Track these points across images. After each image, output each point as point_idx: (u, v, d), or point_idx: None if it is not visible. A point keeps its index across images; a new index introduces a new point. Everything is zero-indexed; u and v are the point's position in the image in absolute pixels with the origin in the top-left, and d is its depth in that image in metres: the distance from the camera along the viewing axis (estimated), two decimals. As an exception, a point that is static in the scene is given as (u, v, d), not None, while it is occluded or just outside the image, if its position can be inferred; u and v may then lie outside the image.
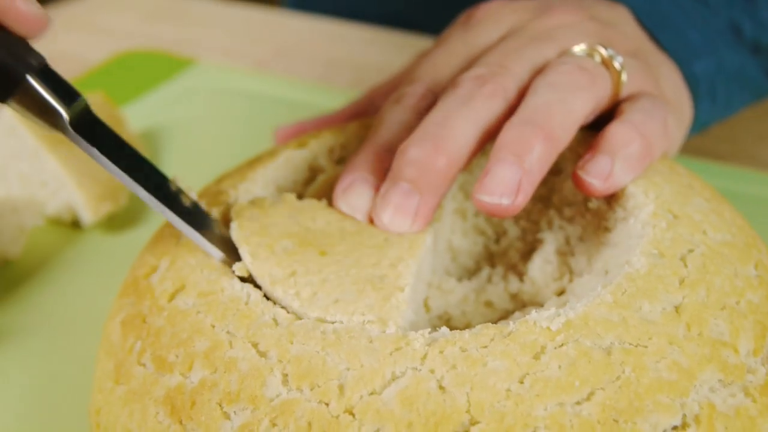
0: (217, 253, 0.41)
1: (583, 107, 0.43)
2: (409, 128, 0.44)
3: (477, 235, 0.50)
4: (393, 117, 0.46)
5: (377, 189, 0.42)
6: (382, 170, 0.43)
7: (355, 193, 0.42)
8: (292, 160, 0.49)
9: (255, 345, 0.36)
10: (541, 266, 0.45)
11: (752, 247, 0.41)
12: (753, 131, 0.71)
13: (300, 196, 0.50)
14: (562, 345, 0.34)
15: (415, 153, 0.41)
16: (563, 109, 0.42)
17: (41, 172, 0.60)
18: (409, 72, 0.52)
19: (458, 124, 0.42)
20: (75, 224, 0.61)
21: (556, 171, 0.48)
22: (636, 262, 0.38)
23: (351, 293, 0.37)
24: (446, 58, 0.50)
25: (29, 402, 0.46)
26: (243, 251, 0.40)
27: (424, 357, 0.34)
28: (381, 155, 0.44)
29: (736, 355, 0.35)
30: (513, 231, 0.49)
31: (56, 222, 0.61)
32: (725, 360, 0.35)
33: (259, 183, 0.48)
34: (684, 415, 0.33)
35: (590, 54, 0.46)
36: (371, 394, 0.33)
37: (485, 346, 0.34)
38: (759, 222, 0.47)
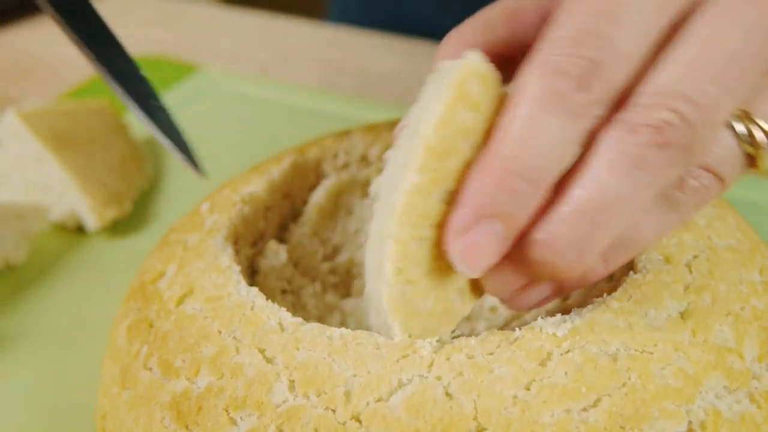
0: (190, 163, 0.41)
1: None
2: (561, 154, 0.32)
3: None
4: (540, 128, 0.31)
5: (505, 241, 0.32)
6: (516, 207, 0.32)
7: (475, 246, 0.32)
8: (296, 166, 0.50)
9: (261, 351, 0.36)
10: None
11: (757, 253, 0.41)
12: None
13: (304, 202, 0.50)
14: (568, 351, 0.34)
15: (556, 261, 0.32)
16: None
17: (46, 178, 0.60)
18: (563, 28, 0.32)
19: (619, 215, 0.32)
20: (80, 230, 0.61)
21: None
22: (641, 268, 0.38)
23: None
24: (625, 32, 0.31)
25: (34, 406, 0.46)
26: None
27: (431, 364, 0.34)
28: (514, 186, 0.31)
29: (741, 361, 0.35)
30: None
31: (61, 227, 0.61)
32: (730, 366, 0.35)
33: (264, 188, 0.48)
34: (690, 422, 0.33)
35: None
36: (378, 400, 0.33)
37: (491, 353, 0.34)
38: (763, 228, 0.47)
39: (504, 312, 0.46)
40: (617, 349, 0.34)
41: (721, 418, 0.34)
